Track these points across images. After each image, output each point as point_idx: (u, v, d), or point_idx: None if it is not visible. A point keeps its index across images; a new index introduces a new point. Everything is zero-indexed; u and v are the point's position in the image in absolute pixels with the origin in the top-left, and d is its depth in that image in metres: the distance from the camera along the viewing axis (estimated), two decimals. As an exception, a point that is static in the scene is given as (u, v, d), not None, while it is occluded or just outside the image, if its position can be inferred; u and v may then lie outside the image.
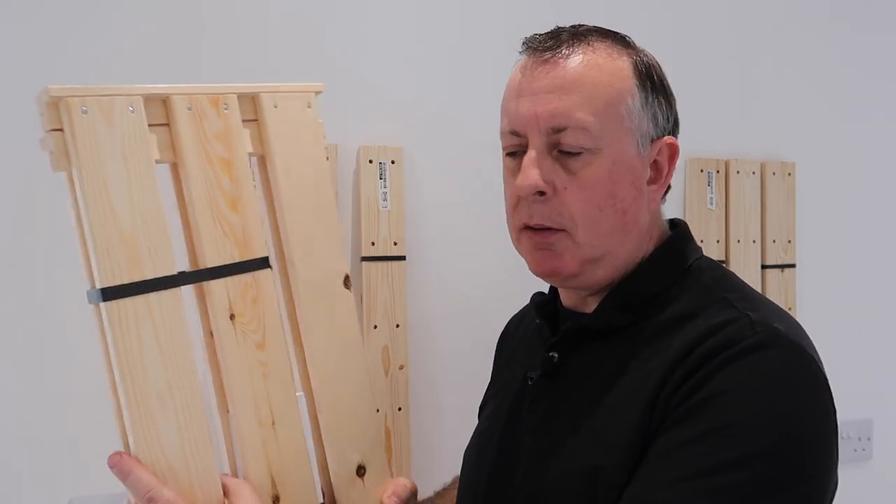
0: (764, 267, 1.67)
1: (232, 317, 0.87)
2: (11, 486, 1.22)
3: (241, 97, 0.91)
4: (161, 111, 0.86)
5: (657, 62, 0.90)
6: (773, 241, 1.68)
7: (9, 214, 1.22)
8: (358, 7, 1.39)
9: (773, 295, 1.65)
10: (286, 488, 0.88)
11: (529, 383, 0.91)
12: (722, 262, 1.60)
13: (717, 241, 1.62)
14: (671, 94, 0.90)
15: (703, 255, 0.92)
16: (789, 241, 1.70)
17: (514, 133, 0.88)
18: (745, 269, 1.63)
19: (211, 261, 0.87)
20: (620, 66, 0.85)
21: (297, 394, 0.92)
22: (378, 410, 1.36)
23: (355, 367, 0.96)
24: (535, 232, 0.87)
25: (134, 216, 0.81)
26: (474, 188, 1.47)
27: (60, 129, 0.80)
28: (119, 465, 0.78)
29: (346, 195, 1.39)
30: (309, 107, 0.97)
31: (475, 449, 0.98)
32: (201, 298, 0.88)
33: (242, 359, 0.87)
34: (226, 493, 0.82)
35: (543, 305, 0.98)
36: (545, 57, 0.86)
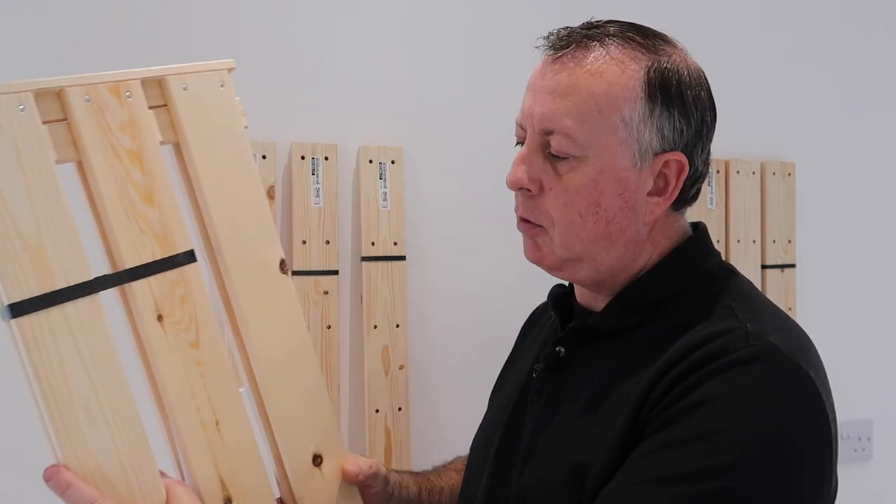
0: (764, 267, 1.67)
1: (160, 318, 0.82)
2: None
3: (146, 82, 0.85)
4: (56, 106, 0.79)
5: (689, 71, 0.86)
6: (773, 241, 1.68)
7: None
8: (358, 7, 1.39)
9: (773, 295, 1.65)
10: (238, 489, 0.85)
11: (534, 375, 0.92)
12: (722, 262, 1.60)
13: (717, 241, 1.62)
14: (694, 107, 0.85)
15: (719, 261, 0.91)
16: (789, 241, 1.70)
17: (521, 125, 0.89)
18: (745, 269, 1.63)
19: (130, 261, 0.81)
20: (627, 73, 0.83)
21: (241, 389, 0.89)
22: (378, 411, 1.36)
23: (301, 353, 0.93)
24: (522, 223, 0.90)
25: (38, 223, 0.75)
26: (474, 188, 1.47)
27: None
28: (55, 477, 0.73)
29: (346, 195, 1.39)
30: (222, 86, 0.91)
31: (482, 437, 0.99)
32: (125, 301, 0.83)
33: (176, 361, 0.83)
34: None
35: (559, 298, 0.98)
36: (556, 56, 0.86)
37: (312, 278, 1.33)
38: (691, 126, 0.86)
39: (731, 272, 0.91)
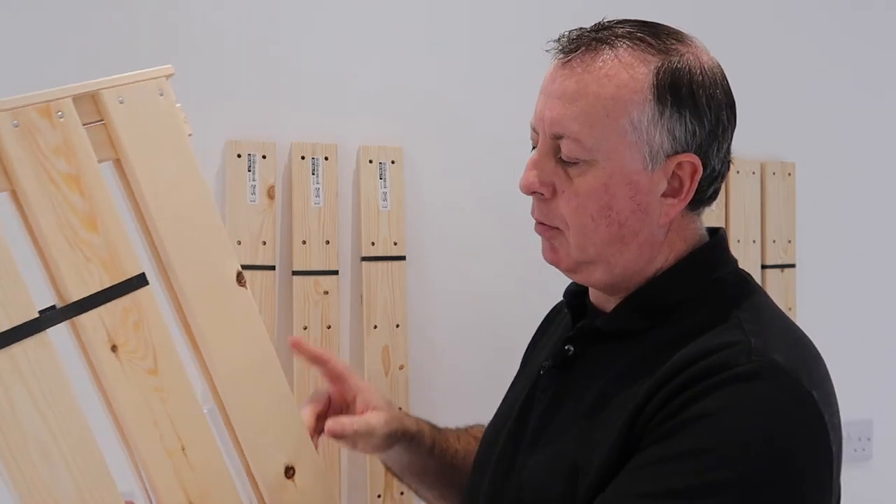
0: (764, 267, 1.67)
1: (114, 348, 0.78)
2: None
3: (78, 99, 0.80)
4: None
5: (703, 70, 0.85)
6: (773, 241, 1.68)
7: None
8: (358, 7, 1.39)
9: (773, 295, 1.63)
10: None
11: (541, 372, 0.92)
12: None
13: (717, 241, 1.63)
14: (708, 107, 0.84)
15: (735, 269, 0.90)
16: (789, 241, 1.70)
17: (533, 129, 0.89)
18: (745, 269, 1.62)
19: (77, 293, 0.77)
20: (635, 76, 0.83)
21: (205, 409, 0.86)
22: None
23: (265, 365, 0.90)
24: (539, 225, 0.90)
25: None
26: (474, 188, 1.47)
27: None
28: None
29: (346, 195, 1.39)
30: (161, 94, 0.86)
31: (492, 430, 0.99)
32: (77, 334, 0.79)
33: (134, 390, 0.79)
34: None
35: (574, 296, 0.98)
36: (566, 59, 0.86)
37: (312, 278, 1.33)
38: (704, 126, 0.85)
39: (745, 281, 0.89)
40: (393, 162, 1.40)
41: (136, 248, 0.85)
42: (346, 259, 1.38)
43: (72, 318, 0.78)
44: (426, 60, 1.43)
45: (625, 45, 0.84)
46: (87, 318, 0.78)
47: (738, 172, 1.64)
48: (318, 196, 1.34)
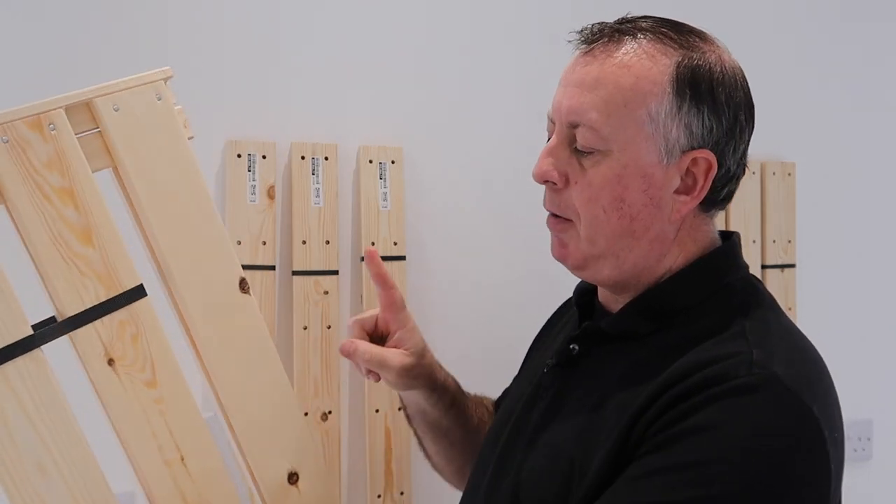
0: (764, 267, 1.67)
1: (111, 361, 0.79)
2: None
3: (72, 109, 0.79)
4: None
5: (723, 68, 0.85)
6: (773, 241, 1.68)
7: None
8: (358, 7, 1.39)
9: (773, 295, 1.64)
10: None
11: (545, 370, 0.92)
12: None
13: (717, 241, 1.63)
14: (727, 105, 0.84)
15: (745, 275, 0.89)
16: (789, 241, 1.70)
17: (550, 119, 0.89)
18: (745, 269, 1.63)
19: (71, 308, 0.77)
20: (655, 68, 0.82)
21: (207, 416, 0.87)
22: (378, 411, 1.36)
23: (269, 373, 0.90)
24: (551, 218, 0.89)
25: None
26: (475, 188, 1.47)
27: None
28: None
29: (346, 195, 1.39)
30: (159, 98, 0.85)
31: (495, 426, 0.99)
32: (74, 347, 0.79)
33: (132, 403, 0.80)
34: None
35: (583, 294, 0.98)
36: (587, 49, 0.86)
37: (312, 278, 1.33)
38: (722, 124, 0.84)
39: (753, 288, 0.88)
40: (393, 162, 1.40)
41: (139, 255, 0.85)
42: (346, 259, 1.38)
43: (67, 333, 0.77)
44: (426, 60, 1.43)
45: (647, 38, 0.84)
46: (82, 333, 0.78)
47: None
48: (318, 196, 1.34)
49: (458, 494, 1.06)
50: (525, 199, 1.39)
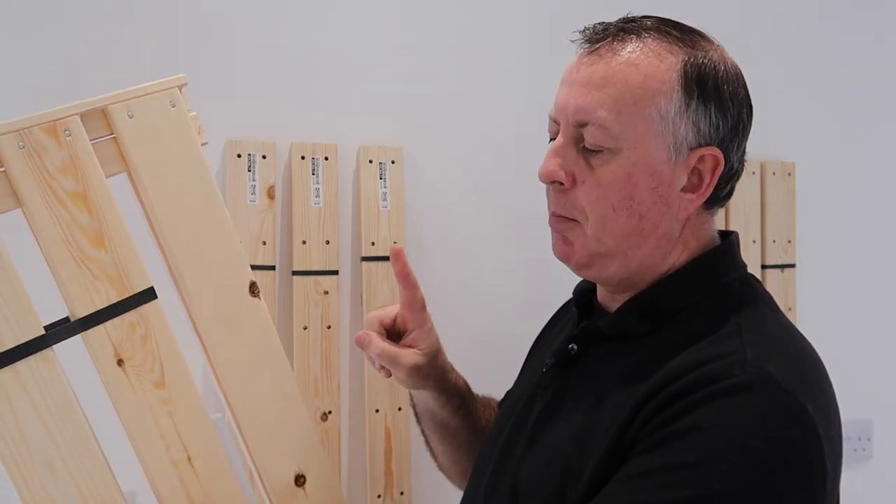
0: (764, 267, 1.67)
1: (120, 362, 0.80)
2: None
3: (87, 116, 0.81)
4: None
5: (726, 67, 0.86)
6: (773, 241, 1.68)
7: None
8: (358, 7, 1.39)
9: (773, 295, 1.64)
10: None
11: (544, 370, 0.92)
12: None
13: (717, 241, 1.63)
14: (731, 103, 0.85)
15: (743, 274, 0.89)
16: (789, 241, 1.70)
17: (554, 120, 0.88)
18: (745, 269, 1.63)
19: (83, 309, 0.79)
20: (663, 66, 0.83)
21: (216, 416, 0.88)
22: (378, 411, 1.36)
23: (277, 376, 0.91)
24: (554, 217, 0.89)
25: None
26: (475, 188, 1.47)
27: None
28: None
29: (346, 195, 1.39)
30: (173, 105, 0.86)
31: (495, 426, 0.99)
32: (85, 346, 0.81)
33: (141, 403, 0.81)
34: None
35: (583, 294, 0.97)
36: (592, 48, 0.86)
37: (312, 278, 1.33)
38: (728, 121, 0.85)
39: (750, 287, 0.88)
40: (393, 162, 1.40)
41: (152, 258, 0.86)
42: (346, 259, 1.38)
43: (78, 333, 0.79)
44: (426, 60, 1.43)
45: (652, 37, 0.84)
46: (93, 334, 0.80)
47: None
48: (318, 196, 1.34)
49: (458, 494, 1.06)
50: (525, 199, 1.39)
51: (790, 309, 1.68)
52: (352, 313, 1.39)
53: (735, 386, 0.74)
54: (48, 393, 0.76)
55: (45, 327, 0.78)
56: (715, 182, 0.85)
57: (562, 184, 0.85)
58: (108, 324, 0.80)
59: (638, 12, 0.90)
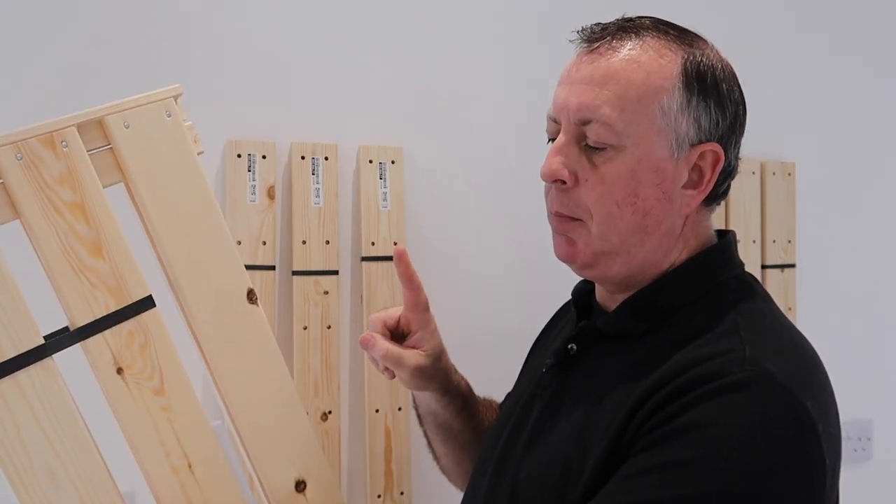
0: (764, 267, 1.67)
1: (119, 370, 0.81)
2: None
3: (83, 127, 0.81)
4: None
5: (723, 65, 0.87)
6: (773, 241, 1.68)
7: None
8: (358, 7, 1.39)
9: (773, 295, 1.63)
10: None
11: (544, 370, 0.92)
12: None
13: (717, 241, 1.63)
14: (729, 100, 0.86)
15: (740, 273, 0.90)
16: (789, 241, 1.70)
17: (553, 120, 0.88)
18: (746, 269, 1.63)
19: (81, 319, 0.80)
20: (664, 63, 0.83)
21: (215, 423, 0.88)
22: (378, 411, 1.36)
23: (276, 382, 0.92)
24: (556, 217, 0.88)
25: None
26: (474, 188, 1.47)
27: None
28: None
29: (347, 195, 1.39)
30: (169, 115, 0.87)
31: (495, 427, 0.99)
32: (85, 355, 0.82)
33: (141, 410, 0.82)
34: None
35: (581, 294, 0.98)
36: (591, 48, 0.86)
37: (312, 278, 1.33)
38: (726, 118, 0.86)
39: (748, 286, 0.89)
40: (393, 162, 1.40)
41: (150, 267, 0.87)
42: (346, 259, 1.38)
43: (77, 342, 0.80)
44: (426, 60, 1.43)
45: (651, 35, 0.85)
46: (92, 342, 0.80)
47: (738, 172, 1.64)
48: (318, 196, 1.34)
49: (458, 495, 1.06)
50: (525, 199, 1.39)
51: (790, 309, 1.67)
52: (352, 313, 1.39)
53: (733, 383, 0.74)
54: (48, 402, 0.77)
55: (45, 337, 0.79)
56: (716, 177, 0.86)
57: (564, 182, 0.85)
58: (107, 332, 0.81)
59: (637, 13, 0.91)
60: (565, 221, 0.87)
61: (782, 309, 0.91)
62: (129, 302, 0.82)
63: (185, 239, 0.87)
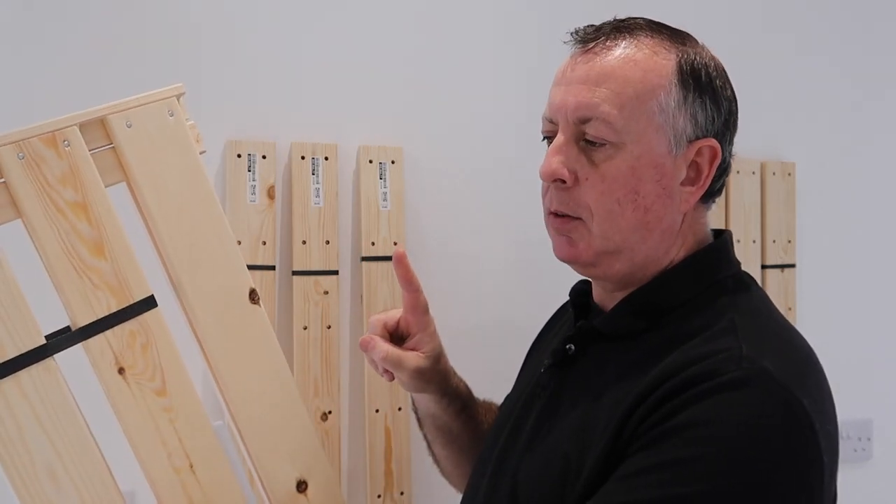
0: (764, 267, 1.67)
1: (121, 370, 0.81)
2: None
3: (86, 126, 0.81)
4: None
5: (715, 63, 0.89)
6: (773, 241, 1.68)
7: None
8: (358, 7, 1.39)
9: (773, 295, 1.65)
10: None
11: (542, 370, 0.92)
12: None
13: (717, 241, 1.63)
14: (723, 96, 0.88)
15: (736, 272, 0.90)
16: (789, 241, 1.70)
17: (549, 120, 0.89)
18: (745, 269, 1.62)
19: (83, 318, 0.79)
20: (660, 62, 0.85)
21: (217, 423, 0.88)
22: (378, 411, 1.36)
23: (278, 382, 0.92)
24: (556, 218, 0.88)
25: None
26: (474, 188, 1.47)
27: None
28: None
29: (346, 195, 1.39)
30: (171, 115, 0.87)
31: (495, 427, 0.99)
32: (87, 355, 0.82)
33: (142, 411, 0.82)
34: None
35: (579, 295, 0.98)
36: (586, 48, 0.87)
37: (312, 278, 1.33)
38: (721, 114, 0.87)
39: (744, 284, 0.89)
40: (393, 162, 1.40)
41: (152, 267, 0.87)
42: (346, 259, 1.38)
43: (78, 342, 0.80)
44: (426, 60, 1.43)
45: (645, 34, 0.86)
46: (93, 342, 0.80)
47: (737, 172, 1.64)
48: (318, 196, 1.34)
49: (458, 495, 1.06)
50: (525, 199, 1.39)
51: (790, 309, 1.67)
52: (352, 313, 1.39)
53: (731, 381, 0.75)
54: (49, 401, 0.77)
55: (46, 337, 0.79)
56: (713, 173, 0.87)
57: (564, 182, 0.86)
58: (109, 332, 0.81)
59: (629, 14, 0.91)
60: (565, 221, 0.88)
61: (782, 309, 0.91)
62: (131, 302, 0.82)
63: (187, 238, 0.87)
